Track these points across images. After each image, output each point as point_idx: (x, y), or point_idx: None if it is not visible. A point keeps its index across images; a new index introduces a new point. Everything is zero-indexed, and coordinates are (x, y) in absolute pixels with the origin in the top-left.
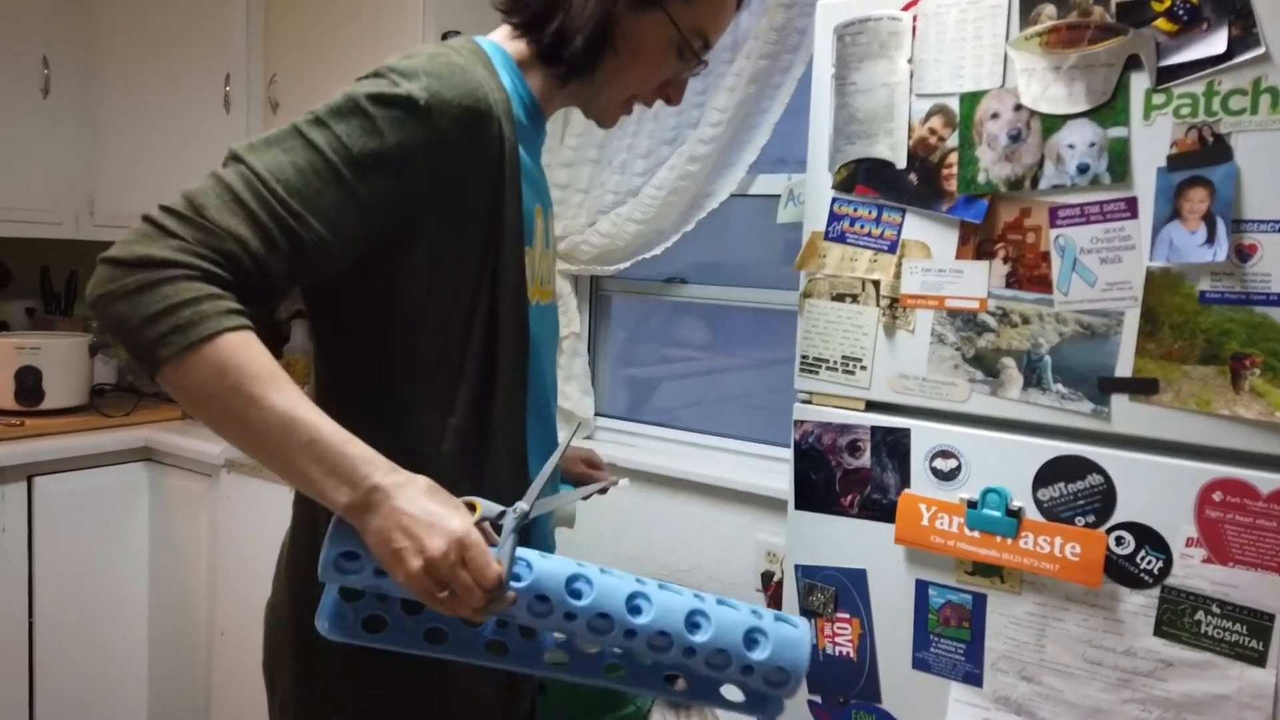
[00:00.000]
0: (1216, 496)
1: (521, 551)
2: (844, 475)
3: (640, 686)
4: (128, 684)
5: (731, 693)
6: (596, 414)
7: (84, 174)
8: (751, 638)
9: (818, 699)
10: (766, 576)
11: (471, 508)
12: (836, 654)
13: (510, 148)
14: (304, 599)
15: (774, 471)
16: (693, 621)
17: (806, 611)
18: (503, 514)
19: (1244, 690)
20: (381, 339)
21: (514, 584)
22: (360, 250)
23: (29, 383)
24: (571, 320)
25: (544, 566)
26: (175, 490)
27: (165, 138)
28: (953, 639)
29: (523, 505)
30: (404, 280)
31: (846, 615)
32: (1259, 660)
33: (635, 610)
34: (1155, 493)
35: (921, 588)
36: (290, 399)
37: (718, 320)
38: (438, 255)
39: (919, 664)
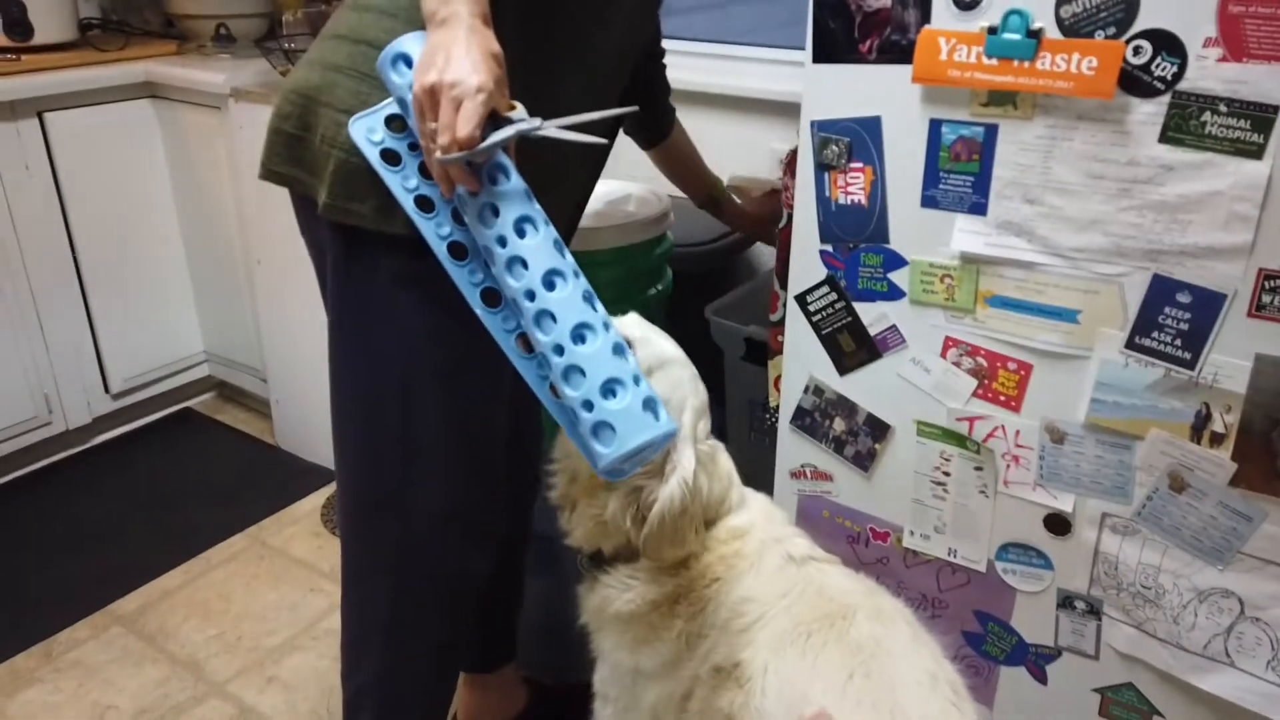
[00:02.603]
0: None
1: (516, 174)
2: (864, 19)
3: (533, 376)
4: (179, 316)
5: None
6: None
7: None
8: (610, 388)
9: (829, 248)
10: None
11: (512, 108)
12: (848, 203)
13: None
14: (334, 74)
15: (788, 76)
16: (579, 333)
17: (821, 166)
18: (529, 124)
19: (1238, 184)
20: None
21: (486, 179)
22: None
23: (15, 14)
24: None
25: (517, 194)
26: (186, 125)
27: None
28: (962, 173)
29: (538, 122)
30: None
31: (860, 164)
32: (1257, 153)
33: (548, 284)
34: None
35: (934, 127)
36: None
37: None
38: None
39: (927, 201)
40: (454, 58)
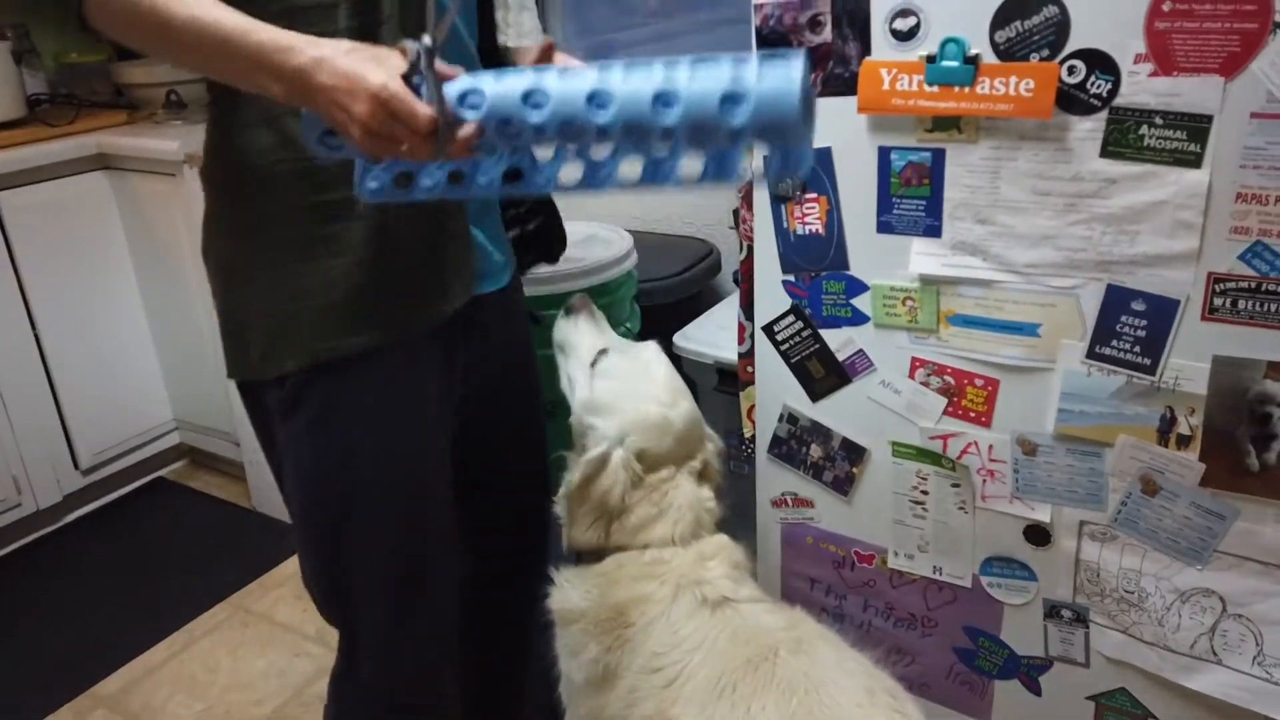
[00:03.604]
0: (1166, 7)
1: (475, 81)
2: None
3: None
4: (146, 385)
5: (690, 167)
6: None
7: None
8: (730, 102)
9: (791, 278)
10: (738, 214)
11: (403, 53)
12: (806, 233)
13: None
14: (223, 190)
15: None
16: (662, 103)
17: (777, 199)
18: (431, 50)
19: (1180, 193)
20: None
21: (469, 114)
22: None
23: None
24: None
25: (496, 90)
26: (141, 194)
27: None
28: (914, 198)
29: (425, 40)
30: None
31: (814, 195)
32: (1195, 162)
33: (600, 107)
34: (1108, 14)
35: (883, 154)
36: (192, 5)
37: None
38: None
39: (883, 227)
40: (344, 100)
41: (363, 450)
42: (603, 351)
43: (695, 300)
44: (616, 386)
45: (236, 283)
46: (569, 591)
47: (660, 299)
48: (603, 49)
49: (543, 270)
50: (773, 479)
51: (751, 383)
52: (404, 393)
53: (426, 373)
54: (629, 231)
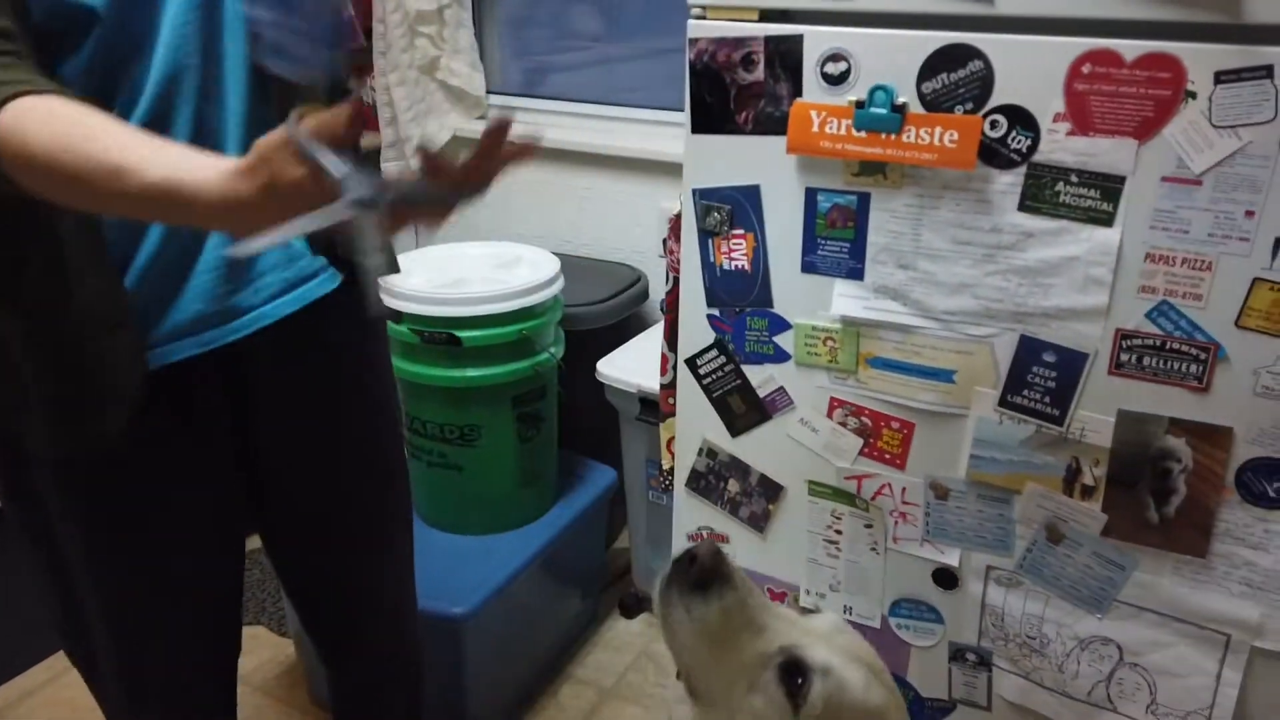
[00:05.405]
0: (1085, 69)
1: None
2: (739, 92)
3: None
4: None
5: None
6: (488, 91)
7: None
8: None
9: (715, 312)
10: (667, 243)
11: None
12: (733, 268)
13: None
14: None
15: (675, 137)
16: None
17: (704, 233)
18: None
19: (1092, 250)
20: None
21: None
22: None
23: None
24: None
25: None
26: None
27: None
28: (838, 239)
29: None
30: None
31: (741, 231)
32: (1108, 221)
33: None
34: (1030, 73)
35: (810, 195)
36: (111, 142)
37: (610, 6)
38: None
39: (807, 267)
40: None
41: (64, 536)
42: (795, 669)
43: (622, 326)
44: None
45: None
46: None
47: (586, 324)
48: (541, 71)
49: (470, 291)
50: (690, 513)
51: (672, 414)
52: (106, 491)
53: (151, 460)
54: (556, 255)
